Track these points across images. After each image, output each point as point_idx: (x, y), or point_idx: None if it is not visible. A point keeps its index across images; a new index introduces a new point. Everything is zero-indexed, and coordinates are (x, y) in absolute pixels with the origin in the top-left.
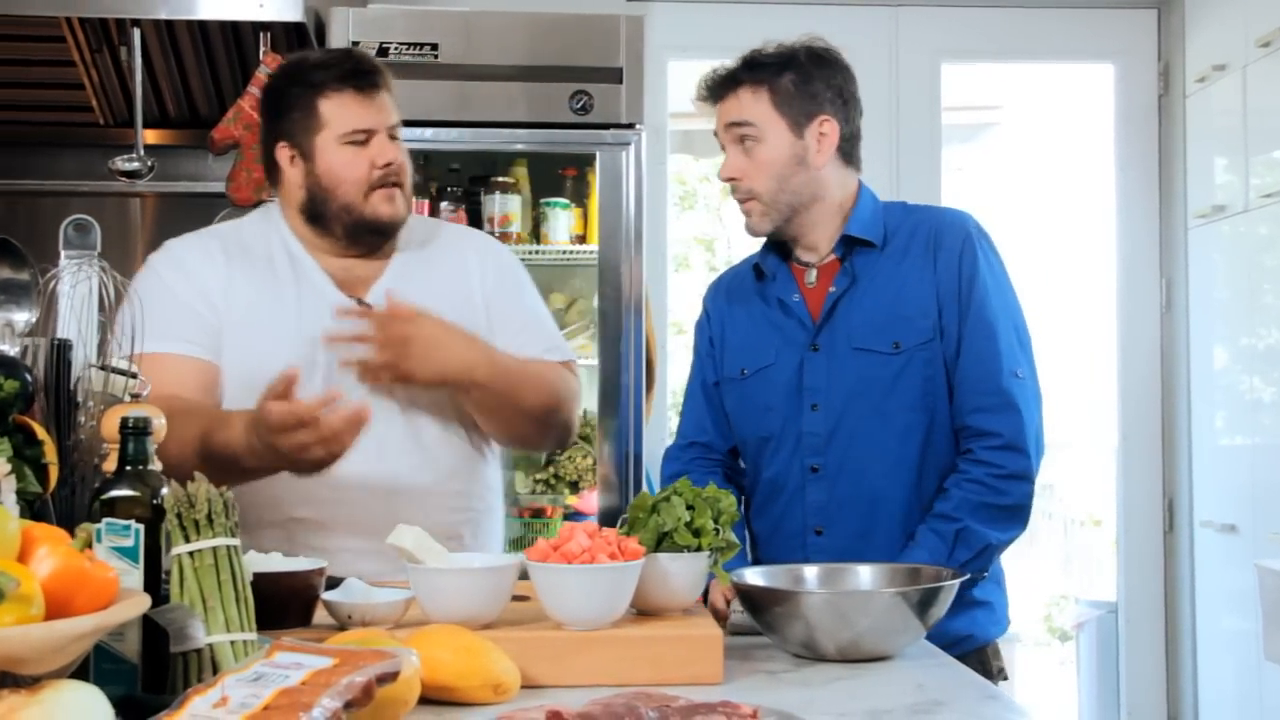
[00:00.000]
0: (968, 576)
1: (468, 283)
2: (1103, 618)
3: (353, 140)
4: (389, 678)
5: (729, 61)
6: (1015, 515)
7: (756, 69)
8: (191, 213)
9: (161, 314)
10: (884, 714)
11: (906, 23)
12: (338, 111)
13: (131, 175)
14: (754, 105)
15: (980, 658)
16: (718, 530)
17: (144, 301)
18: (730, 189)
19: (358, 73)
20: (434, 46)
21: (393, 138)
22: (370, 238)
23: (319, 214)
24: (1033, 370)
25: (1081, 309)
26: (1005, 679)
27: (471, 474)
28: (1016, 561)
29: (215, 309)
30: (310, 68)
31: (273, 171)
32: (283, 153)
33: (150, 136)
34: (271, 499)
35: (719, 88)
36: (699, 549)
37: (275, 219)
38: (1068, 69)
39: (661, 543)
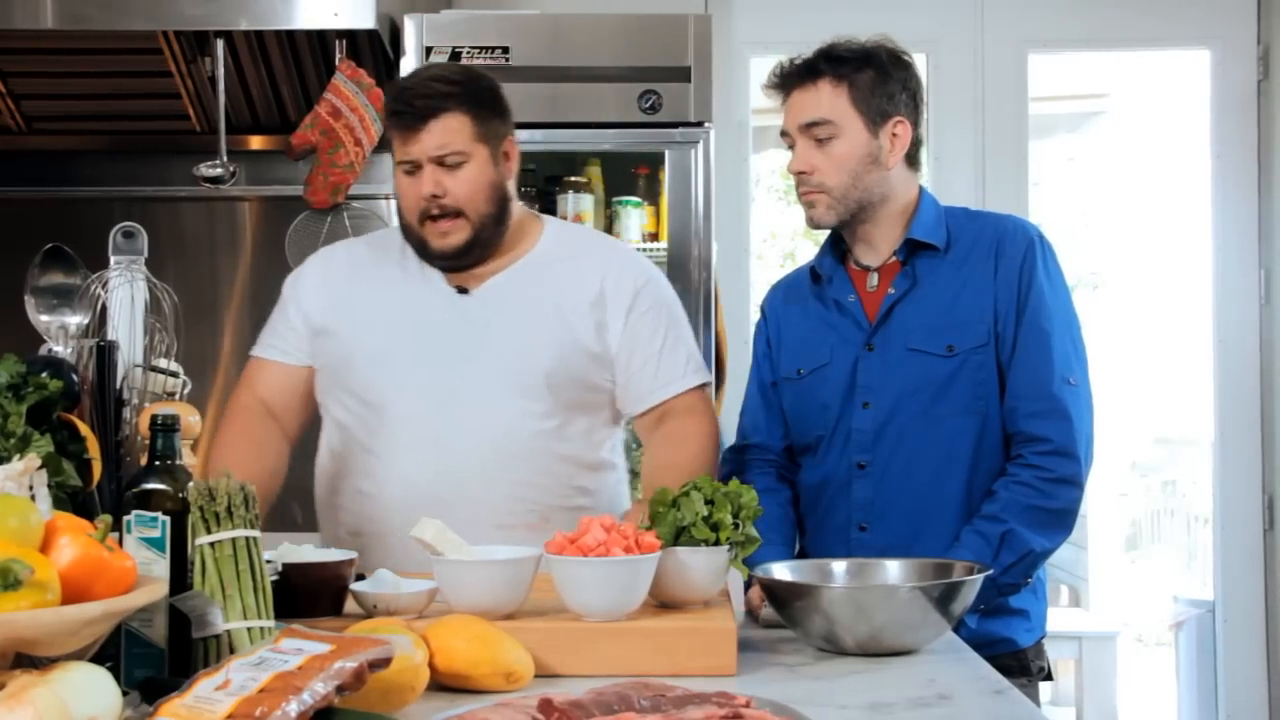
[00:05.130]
0: (991, 572)
1: (585, 296)
2: (1201, 617)
3: (405, 170)
4: (381, 663)
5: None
6: (1061, 520)
7: (837, 63)
8: (280, 215)
9: (273, 322)
10: (884, 707)
11: (992, 12)
12: (395, 140)
13: (215, 181)
14: (833, 100)
15: (1019, 658)
16: (738, 525)
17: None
18: (797, 182)
19: (395, 113)
20: (505, 50)
21: (444, 164)
22: (436, 262)
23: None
24: (1086, 379)
25: (1189, 301)
26: (1048, 679)
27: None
28: (1137, 559)
29: (308, 319)
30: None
31: None
32: None
33: (249, 142)
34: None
35: (797, 77)
36: (717, 543)
37: None
38: (1166, 55)
39: (680, 536)
